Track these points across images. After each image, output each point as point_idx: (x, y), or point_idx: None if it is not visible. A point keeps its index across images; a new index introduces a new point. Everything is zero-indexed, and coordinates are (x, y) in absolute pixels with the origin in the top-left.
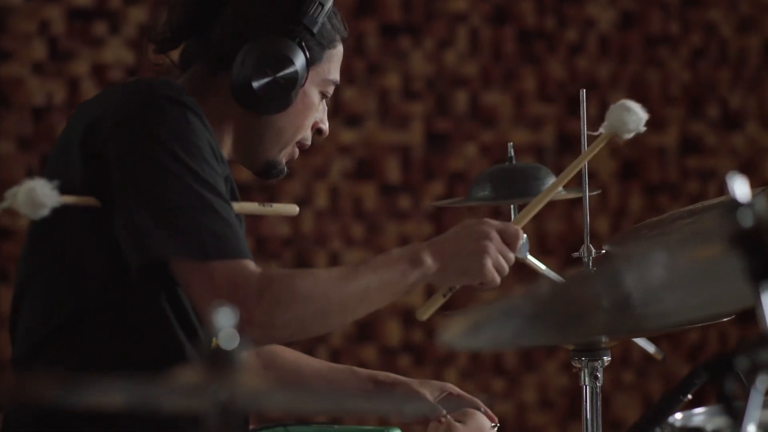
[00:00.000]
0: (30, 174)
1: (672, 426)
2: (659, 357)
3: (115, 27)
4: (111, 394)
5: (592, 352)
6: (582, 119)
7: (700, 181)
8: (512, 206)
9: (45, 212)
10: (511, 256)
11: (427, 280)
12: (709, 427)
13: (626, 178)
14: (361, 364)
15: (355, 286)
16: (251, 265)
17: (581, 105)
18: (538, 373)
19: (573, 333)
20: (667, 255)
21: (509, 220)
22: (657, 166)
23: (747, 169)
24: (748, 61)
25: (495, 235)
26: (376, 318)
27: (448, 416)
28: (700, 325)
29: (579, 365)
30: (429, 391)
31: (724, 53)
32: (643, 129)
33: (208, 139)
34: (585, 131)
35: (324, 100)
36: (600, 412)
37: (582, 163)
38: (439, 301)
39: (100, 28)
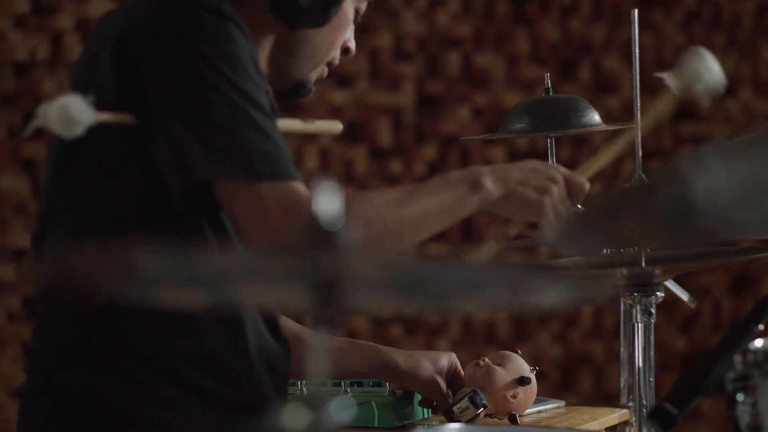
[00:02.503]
0: (11, 134)
1: (755, 351)
2: (692, 305)
3: None
4: (188, 287)
5: (645, 287)
6: (634, 42)
7: (694, 147)
8: (549, 140)
9: (79, 131)
10: (571, 206)
11: (486, 206)
12: None
13: None
14: (352, 335)
15: (412, 211)
16: (301, 186)
17: (632, 26)
18: (532, 343)
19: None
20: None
21: (546, 154)
22: (650, 132)
23: None
24: (742, 26)
25: (561, 179)
26: None
27: (487, 359)
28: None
29: (631, 301)
30: (431, 362)
31: (718, 17)
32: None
33: (250, 52)
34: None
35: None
36: (653, 349)
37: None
38: (492, 248)
39: None
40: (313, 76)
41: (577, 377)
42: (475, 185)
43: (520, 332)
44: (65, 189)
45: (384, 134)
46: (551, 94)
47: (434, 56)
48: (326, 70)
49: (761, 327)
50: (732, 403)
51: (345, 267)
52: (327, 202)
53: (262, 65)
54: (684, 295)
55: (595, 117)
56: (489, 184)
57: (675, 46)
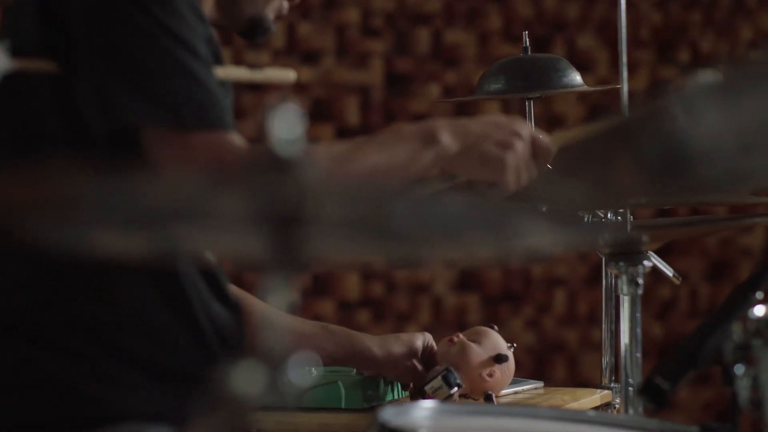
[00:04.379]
0: None
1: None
2: (678, 281)
3: None
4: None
5: (631, 255)
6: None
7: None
8: (527, 101)
9: None
10: (534, 169)
11: (443, 162)
12: None
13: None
14: (318, 319)
15: (359, 166)
16: (236, 138)
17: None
18: (503, 330)
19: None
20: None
21: (523, 116)
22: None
23: None
24: (719, 4)
25: (527, 136)
26: (333, 271)
27: (461, 335)
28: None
29: (617, 271)
30: (405, 346)
31: None
32: None
33: None
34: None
35: None
36: (640, 324)
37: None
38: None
39: None
40: (270, 12)
41: (551, 365)
42: (431, 139)
43: (492, 318)
44: None
45: (351, 113)
46: (530, 53)
47: (403, 33)
48: (286, 4)
49: (761, 295)
50: (730, 376)
51: (306, 203)
52: (286, 127)
53: (209, 6)
54: (669, 271)
55: (577, 78)
56: (446, 138)
57: (651, 25)
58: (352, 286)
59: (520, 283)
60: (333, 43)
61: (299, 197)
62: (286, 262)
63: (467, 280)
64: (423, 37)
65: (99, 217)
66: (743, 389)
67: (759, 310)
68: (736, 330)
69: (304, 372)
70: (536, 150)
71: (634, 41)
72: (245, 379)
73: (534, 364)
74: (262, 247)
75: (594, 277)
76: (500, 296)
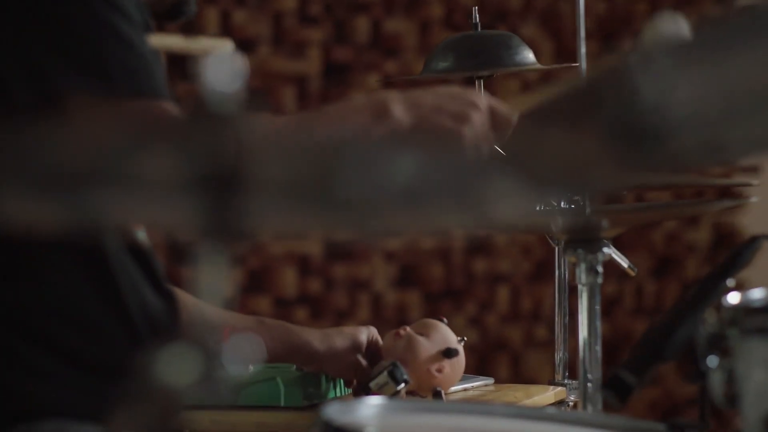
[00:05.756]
0: None
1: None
2: (633, 273)
3: None
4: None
5: (590, 242)
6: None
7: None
8: (478, 80)
9: None
10: (493, 142)
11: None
12: None
13: None
14: None
15: (303, 141)
16: (171, 106)
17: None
18: None
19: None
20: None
21: None
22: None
23: None
24: None
25: (484, 107)
26: (269, 266)
27: (408, 328)
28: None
29: (574, 258)
30: (348, 340)
31: None
32: None
33: None
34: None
35: None
36: (599, 316)
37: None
38: None
39: None
40: None
41: (493, 363)
42: (382, 113)
43: (434, 315)
44: None
45: (288, 103)
46: (480, 30)
47: (342, 21)
48: None
49: (732, 282)
50: (701, 369)
51: (244, 163)
52: (223, 77)
53: None
54: (624, 262)
55: (530, 56)
56: (398, 110)
57: (596, 16)
58: (289, 282)
59: (462, 279)
60: (269, 31)
61: (237, 156)
62: (221, 232)
63: (408, 276)
64: (362, 26)
65: (5, 179)
66: (717, 383)
67: (733, 298)
68: (709, 319)
69: (243, 358)
70: (495, 120)
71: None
72: (176, 368)
73: (477, 362)
74: (194, 216)
75: (538, 274)
76: (442, 293)
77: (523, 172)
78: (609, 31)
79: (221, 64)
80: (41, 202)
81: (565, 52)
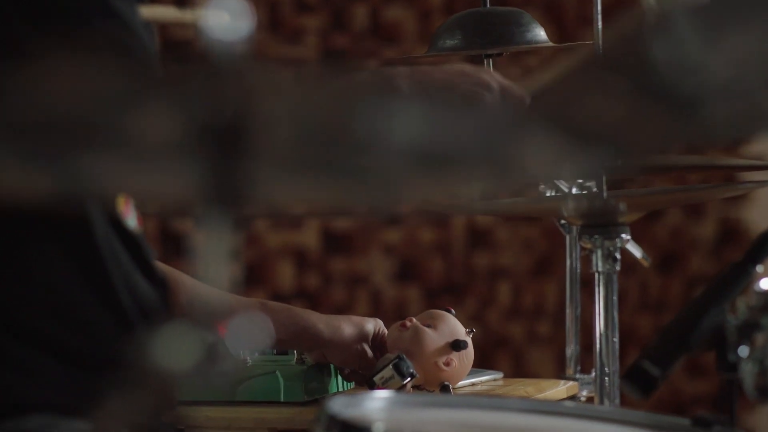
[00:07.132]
0: None
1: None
2: (647, 263)
3: None
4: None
5: (607, 228)
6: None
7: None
8: (486, 59)
9: None
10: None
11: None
12: None
13: None
14: None
15: (315, 96)
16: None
17: None
18: None
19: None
20: None
21: None
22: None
23: None
24: None
25: (496, 87)
26: (266, 260)
27: (414, 320)
28: None
29: (590, 245)
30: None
31: None
32: None
33: None
34: None
35: None
36: (616, 306)
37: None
38: None
39: None
40: None
41: (495, 359)
42: (388, 89)
43: None
44: None
45: None
46: (488, 6)
47: (340, 8)
48: None
49: (761, 268)
50: (730, 360)
51: (249, 120)
52: (225, 25)
53: None
54: (638, 252)
55: (541, 33)
56: (405, 87)
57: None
58: (285, 276)
59: (462, 274)
60: (265, 18)
61: (240, 112)
62: (223, 198)
63: (407, 271)
64: (360, 13)
65: None
66: (748, 375)
67: (766, 284)
68: (740, 307)
69: (248, 340)
70: (508, 101)
71: (580, 19)
72: (174, 350)
73: (478, 358)
74: (193, 179)
75: (540, 268)
76: (442, 288)
77: (556, 128)
78: (613, 19)
79: (225, 10)
80: (24, 165)
81: (569, 39)
